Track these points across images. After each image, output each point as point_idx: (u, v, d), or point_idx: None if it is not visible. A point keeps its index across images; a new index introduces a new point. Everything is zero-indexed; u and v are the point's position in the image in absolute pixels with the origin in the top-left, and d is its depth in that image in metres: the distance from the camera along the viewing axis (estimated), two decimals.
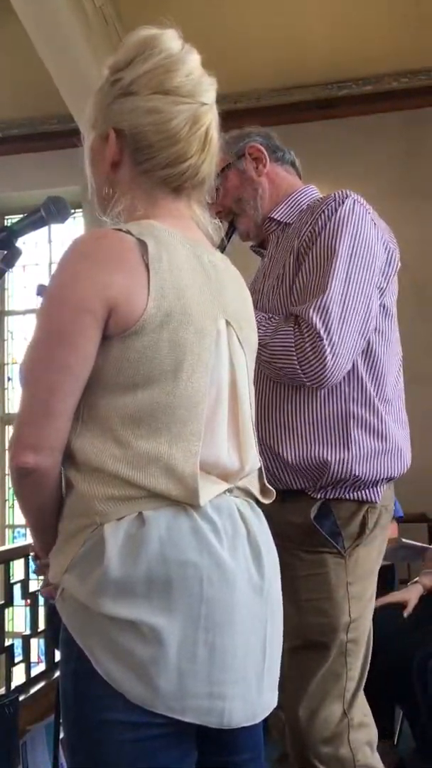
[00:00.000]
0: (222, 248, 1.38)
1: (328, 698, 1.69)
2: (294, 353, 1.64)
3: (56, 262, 1.26)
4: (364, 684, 1.75)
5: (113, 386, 1.15)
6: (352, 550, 1.72)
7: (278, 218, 1.90)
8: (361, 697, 1.75)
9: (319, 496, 1.72)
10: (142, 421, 1.15)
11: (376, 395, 1.74)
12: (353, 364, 1.71)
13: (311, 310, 1.63)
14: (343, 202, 1.73)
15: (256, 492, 1.32)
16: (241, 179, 1.93)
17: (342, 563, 1.71)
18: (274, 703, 1.25)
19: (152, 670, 1.09)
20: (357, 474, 1.70)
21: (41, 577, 1.39)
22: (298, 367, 1.64)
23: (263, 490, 1.35)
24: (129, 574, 1.10)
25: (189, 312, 1.18)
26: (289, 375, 1.67)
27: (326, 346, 1.62)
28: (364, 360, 1.74)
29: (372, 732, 1.75)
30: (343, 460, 1.70)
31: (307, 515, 1.71)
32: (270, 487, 1.37)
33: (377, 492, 1.75)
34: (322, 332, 1.62)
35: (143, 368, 1.15)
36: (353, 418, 1.72)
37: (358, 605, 1.72)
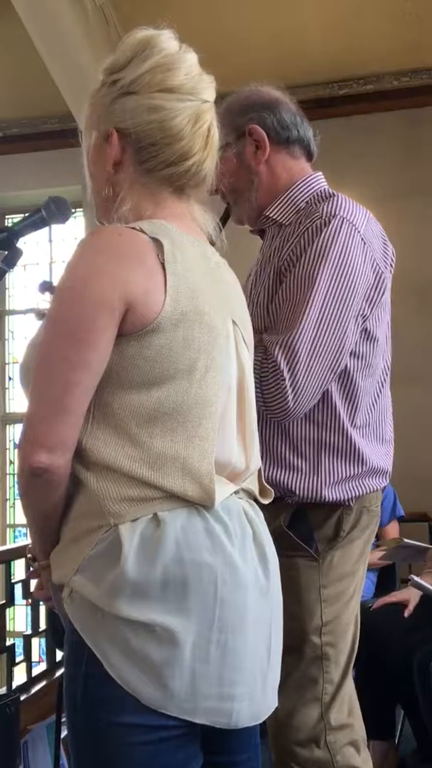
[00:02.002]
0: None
1: (304, 702, 1.67)
2: (259, 385, 1.58)
3: (58, 261, 1.25)
4: (349, 684, 1.73)
5: (128, 384, 1.14)
6: (326, 553, 1.69)
7: (274, 217, 1.79)
8: (345, 697, 1.71)
9: (293, 501, 1.70)
10: (157, 420, 1.14)
11: (350, 421, 1.70)
12: (328, 392, 1.67)
13: (277, 348, 1.59)
14: (328, 222, 1.63)
15: (256, 492, 1.32)
16: (238, 164, 1.79)
17: (315, 566, 1.69)
18: (275, 704, 1.26)
19: (166, 671, 1.09)
20: (327, 498, 1.68)
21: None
22: (261, 398, 1.59)
23: (262, 490, 1.35)
24: (146, 576, 1.10)
25: (202, 312, 1.18)
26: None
27: (288, 387, 1.58)
28: (341, 386, 1.69)
29: (357, 732, 1.72)
30: (312, 487, 1.67)
31: (278, 520, 1.68)
32: (268, 486, 1.37)
33: (352, 498, 1.72)
34: (285, 372, 1.58)
35: (159, 367, 1.14)
36: (325, 445, 1.69)
37: (333, 607, 1.69)
